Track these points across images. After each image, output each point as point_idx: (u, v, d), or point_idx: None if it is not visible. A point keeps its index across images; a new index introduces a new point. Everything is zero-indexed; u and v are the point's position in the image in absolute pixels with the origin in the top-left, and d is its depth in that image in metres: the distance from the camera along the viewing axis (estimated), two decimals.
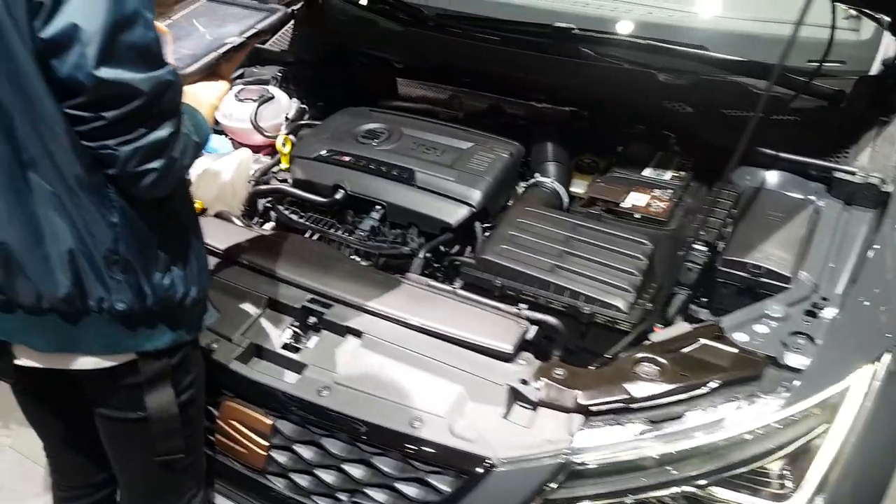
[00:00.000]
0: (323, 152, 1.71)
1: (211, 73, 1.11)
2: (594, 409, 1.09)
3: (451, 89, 2.08)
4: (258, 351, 1.31)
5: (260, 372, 1.27)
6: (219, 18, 1.24)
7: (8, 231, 0.91)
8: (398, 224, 1.61)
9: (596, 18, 1.91)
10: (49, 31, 0.81)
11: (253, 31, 1.16)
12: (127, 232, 0.96)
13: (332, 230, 1.63)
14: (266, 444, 1.24)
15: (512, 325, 1.25)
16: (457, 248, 1.59)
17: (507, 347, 1.20)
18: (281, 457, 1.24)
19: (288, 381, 1.25)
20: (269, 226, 1.74)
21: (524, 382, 1.15)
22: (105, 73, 0.82)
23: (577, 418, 1.10)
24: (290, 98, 1.96)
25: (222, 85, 1.13)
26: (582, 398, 1.10)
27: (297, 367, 1.27)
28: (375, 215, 1.61)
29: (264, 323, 1.34)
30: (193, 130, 0.97)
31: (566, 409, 1.11)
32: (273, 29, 1.20)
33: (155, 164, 0.91)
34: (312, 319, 1.33)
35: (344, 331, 1.30)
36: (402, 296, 1.35)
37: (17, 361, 1.07)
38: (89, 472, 1.35)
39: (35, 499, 2.01)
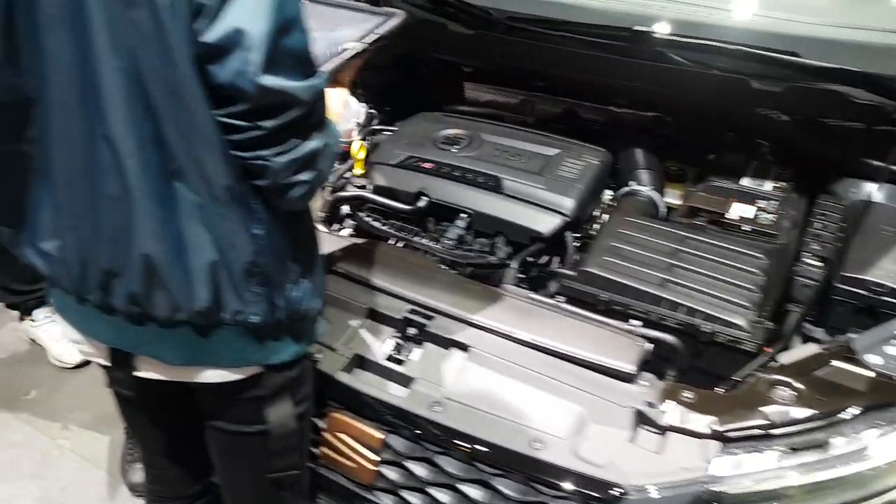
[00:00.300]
0: (403, 158, 1.67)
1: (332, 79, 1.07)
2: (731, 435, 1.05)
3: (522, 93, 2.03)
4: (361, 362, 1.28)
5: (367, 384, 1.24)
6: (329, 21, 1.19)
7: (153, 242, 0.87)
8: (483, 233, 1.57)
9: (675, 21, 1.85)
10: (212, 34, 0.76)
11: (374, 36, 1.12)
12: (267, 244, 0.93)
13: (415, 238, 1.59)
14: (376, 458, 1.20)
15: (629, 343, 1.21)
16: (544, 258, 1.55)
17: (629, 367, 1.15)
18: (391, 472, 1.20)
19: (397, 394, 1.21)
20: (345, 232, 1.70)
21: (650, 405, 1.11)
22: (268, 80, 0.78)
23: (713, 444, 1.05)
24: (360, 103, 1.93)
25: (343, 92, 1.09)
26: (718, 423, 1.06)
27: (404, 380, 1.23)
28: (461, 223, 1.57)
29: (365, 333, 1.31)
30: (333, 141, 0.94)
31: (700, 434, 1.06)
32: (393, 34, 1.15)
33: (305, 176, 0.88)
34: (413, 331, 1.29)
35: (448, 344, 1.26)
36: (506, 308, 1.31)
37: (137, 373, 1.04)
38: (187, 482, 1.33)
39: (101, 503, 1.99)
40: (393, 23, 1.15)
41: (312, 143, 0.87)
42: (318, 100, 0.85)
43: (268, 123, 0.82)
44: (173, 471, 1.31)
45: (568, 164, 1.60)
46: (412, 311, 1.30)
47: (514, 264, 1.45)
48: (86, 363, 2.42)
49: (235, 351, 0.99)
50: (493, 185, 1.56)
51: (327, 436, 1.25)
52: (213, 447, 1.16)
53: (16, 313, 2.45)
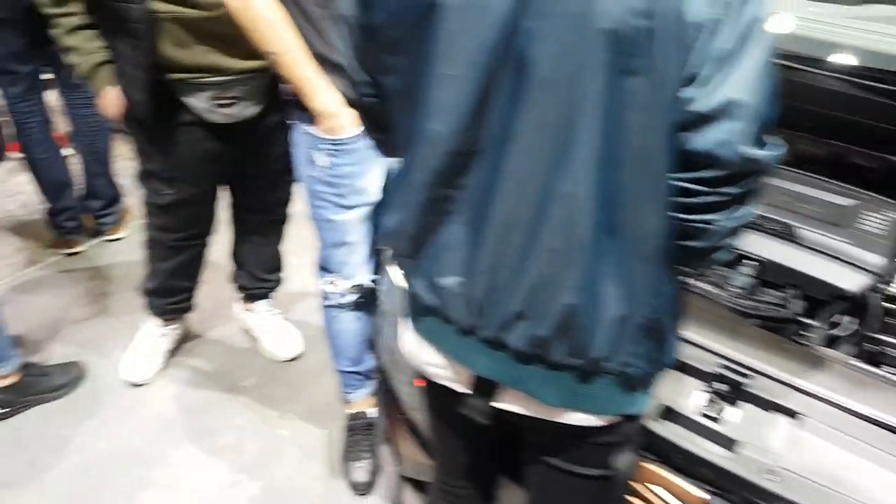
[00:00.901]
0: None
1: None
2: None
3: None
4: (669, 413, 1.25)
5: (680, 437, 1.21)
6: None
7: (578, 294, 0.88)
8: (770, 283, 1.50)
9: None
10: (705, 104, 0.76)
11: None
12: (668, 302, 0.93)
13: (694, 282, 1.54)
14: None
15: None
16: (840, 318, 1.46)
17: None
18: None
19: (718, 453, 1.18)
20: None
21: None
22: (750, 150, 0.77)
23: None
24: None
25: None
26: None
27: (724, 440, 1.19)
28: (747, 271, 1.51)
29: (669, 383, 1.27)
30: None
31: None
32: None
33: (733, 241, 0.87)
34: (723, 387, 1.25)
35: (770, 406, 1.21)
36: (831, 374, 1.24)
37: (496, 404, 1.04)
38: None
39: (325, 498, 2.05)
40: None
41: (751, 210, 0.86)
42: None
43: (732, 190, 0.81)
44: (467, 492, 1.33)
45: (870, 217, 1.51)
46: (725, 367, 1.26)
47: (820, 323, 1.38)
48: (296, 357, 2.53)
49: (608, 399, 1.00)
50: (785, 233, 1.50)
51: (637, 486, 1.23)
52: (542, 482, 1.16)
53: (232, 304, 2.59)
